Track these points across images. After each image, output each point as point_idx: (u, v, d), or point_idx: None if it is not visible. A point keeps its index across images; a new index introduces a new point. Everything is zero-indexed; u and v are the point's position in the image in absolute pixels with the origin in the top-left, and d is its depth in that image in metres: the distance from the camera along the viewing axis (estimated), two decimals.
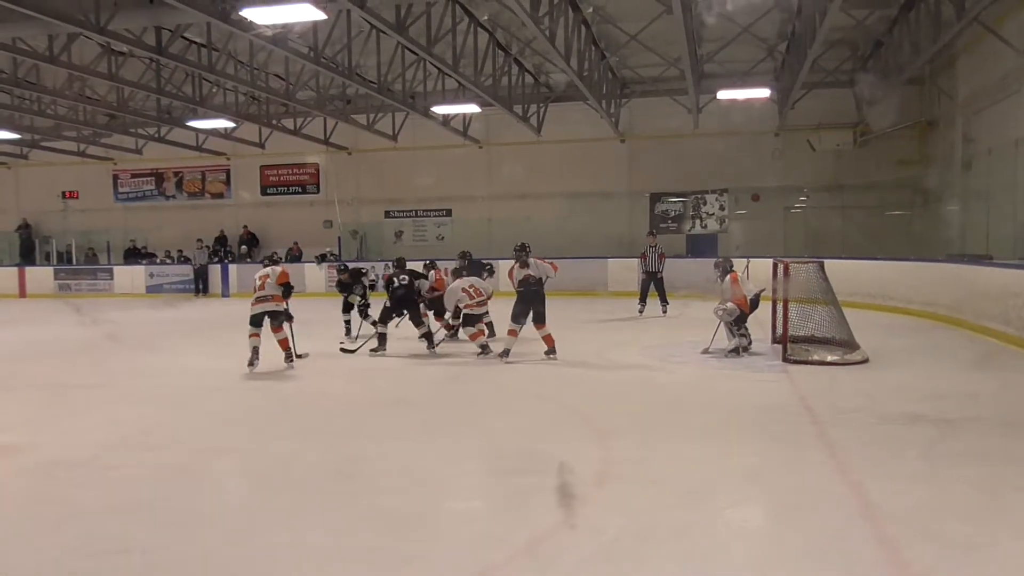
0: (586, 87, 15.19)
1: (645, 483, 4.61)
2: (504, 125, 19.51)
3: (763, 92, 16.79)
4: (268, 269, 8.89)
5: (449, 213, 22.22)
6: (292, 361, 8.74)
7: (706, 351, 9.20)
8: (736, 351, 9.00)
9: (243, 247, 22.74)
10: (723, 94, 16.58)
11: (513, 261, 9.15)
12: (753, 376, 7.98)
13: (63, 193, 24.73)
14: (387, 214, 22.66)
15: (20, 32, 12.16)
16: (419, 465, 5.03)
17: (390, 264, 13.25)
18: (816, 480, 4.57)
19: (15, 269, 23.00)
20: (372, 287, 11.95)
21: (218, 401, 7.36)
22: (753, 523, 4.20)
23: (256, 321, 8.56)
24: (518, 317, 8.91)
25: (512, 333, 8.94)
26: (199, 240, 21.89)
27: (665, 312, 13.39)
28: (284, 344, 8.71)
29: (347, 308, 11.50)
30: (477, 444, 5.65)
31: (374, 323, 10.04)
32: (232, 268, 21.21)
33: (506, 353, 8.90)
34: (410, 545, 3.72)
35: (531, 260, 9.05)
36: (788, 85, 16.29)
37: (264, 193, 23.63)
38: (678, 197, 20.33)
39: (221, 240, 22.90)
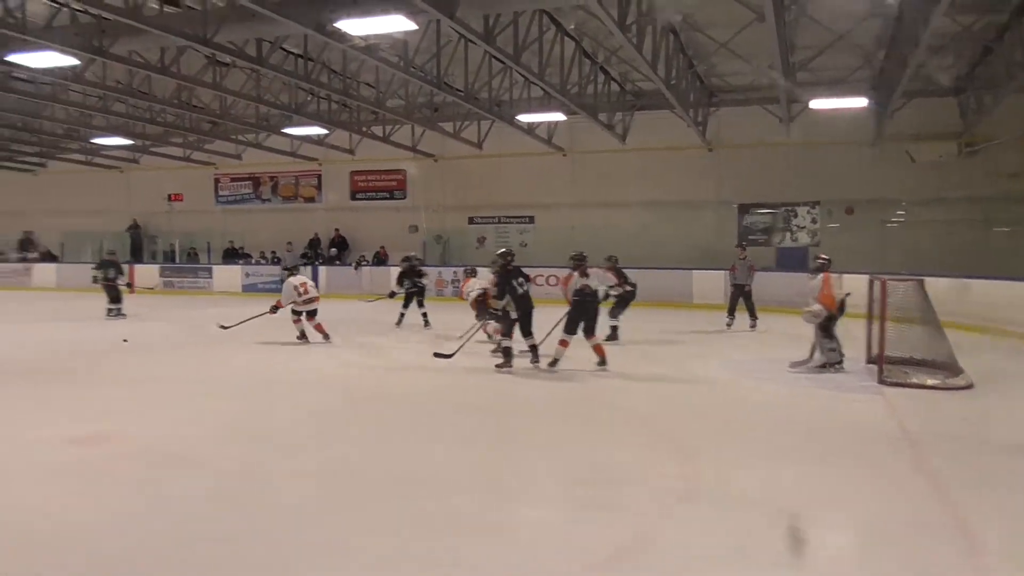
0: (673, 95, 14.98)
1: (729, 502, 4.49)
2: (589, 133, 19.43)
3: (860, 101, 16.16)
4: (303, 277, 11.93)
5: (532, 220, 22.28)
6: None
7: (796, 365, 8.91)
8: (824, 367, 8.69)
9: (332, 249, 23.39)
10: (816, 103, 16.06)
11: (569, 270, 9.06)
12: (845, 396, 7.68)
13: (168, 196, 26.09)
14: (470, 220, 22.90)
15: (136, 46, 12.86)
16: (493, 471, 5.04)
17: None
18: (912, 509, 4.36)
19: (125, 266, 24.25)
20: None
21: (303, 398, 7.55)
22: (844, 550, 4.04)
23: (312, 314, 11.57)
24: (571, 328, 8.82)
25: (563, 344, 8.83)
26: (288, 243, 22.67)
27: (754, 327, 13.05)
28: (321, 328, 11.49)
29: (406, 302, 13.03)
30: (547, 452, 5.61)
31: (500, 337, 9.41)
32: (322, 269, 21.83)
33: (555, 363, 8.81)
34: (484, 550, 3.72)
35: (590, 270, 8.97)
36: (887, 94, 15.65)
37: (353, 198, 24.26)
38: (768, 209, 19.81)
39: (314, 243, 23.64)
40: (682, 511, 4.37)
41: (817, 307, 8.75)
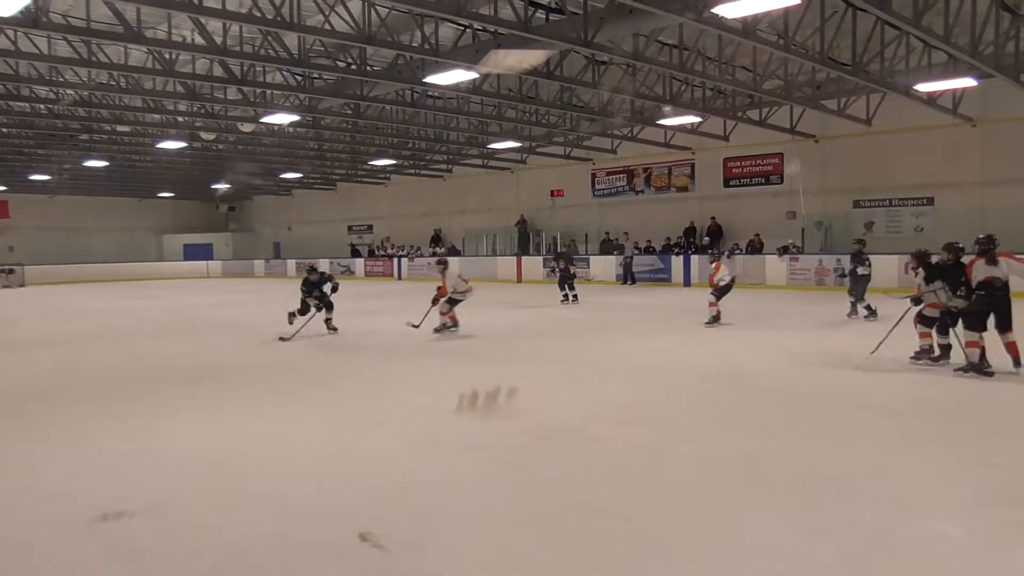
0: None
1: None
2: (1006, 98, 16.72)
3: None
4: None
5: (931, 202, 19.83)
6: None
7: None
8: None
9: (706, 238, 23.35)
10: None
11: (975, 255, 7.72)
12: None
13: (551, 192, 28.37)
14: (856, 204, 21.14)
15: (526, 56, 14.20)
16: (902, 479, 4.61)
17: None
18: None
19: (514, 258, 27.04)
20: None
21: (687, 386, 7.66)
22: None
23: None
24: (978, 323, 7.56)
25: (974, 345, 7.58)
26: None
27: None
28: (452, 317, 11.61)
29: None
30: (966, 467, 4.96)
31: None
32: (694, 259, 21.92)
33: (973, 367, 7.59)
34: (880, 558, 3.46)
35: (1000, 258, 7.60)
36: None
37: (727, 185, 23.91)
38: None
39: (689, 231, 23.84)
40: None
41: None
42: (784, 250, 19.90)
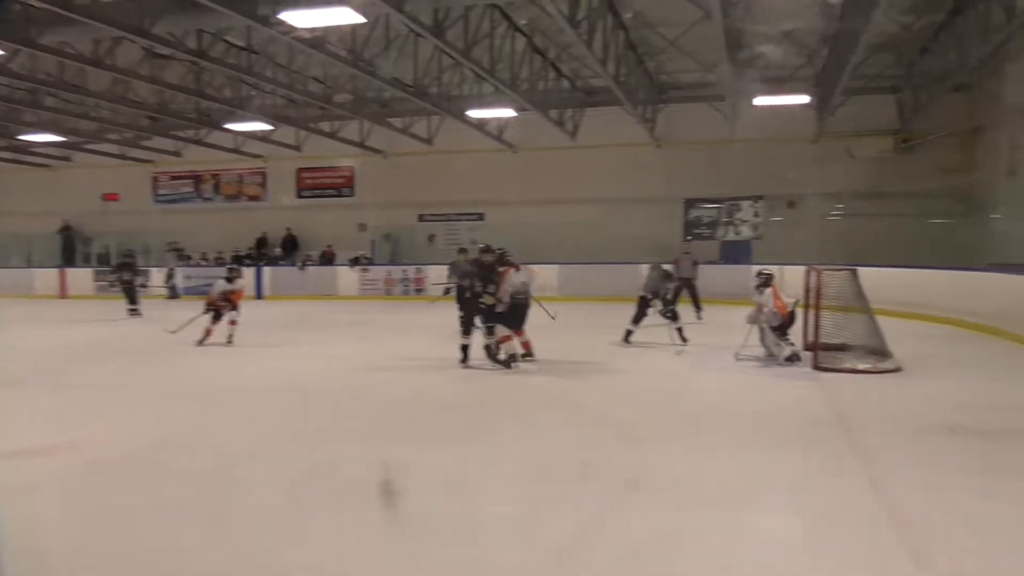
0: (623, 92, 15.13)
1: (676, 490, 4.55)
2: (540, 129, 19.48)
3: (802, 98, 16.55)
4: None
5: (482, 217, 22.26)
6: None
7: (738, 356, 9.11)
8: (792, 358, 8.86)
9: (277, 249, 23.02)
10: (760, 100, 16.37)
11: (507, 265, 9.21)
12: (785, 383, 7.86)
13: (103, 196, 25.26)
14: (420, 218, 22.76)
15: (67, 36, 12.42)
16: (453, 470, 5.02)
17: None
18: (850, 491, 4.47)
19: (56, 270, 23.46)
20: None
21: (257, 403, 7.41)
22: (785, 533, 4.12)
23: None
24: (510, 322, 8.99)
25: (507, 339, 8.86)
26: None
27: (700, 318, 13.25)
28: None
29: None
30: (508, 449, 5.63)
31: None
32: (266, 271, 21.45)
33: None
34: (442, 550, 3.70)
35: (523, 268, 9.35)
36: (828, 91, 16.05)
37: (300, 196, 23.90)
38: (713, 203, 20.12)
39: (262, 242, 23.20)
40: (630, 500, 4.40)
41: (773, 311, 9.09)
42: (355, 261, 20.63)
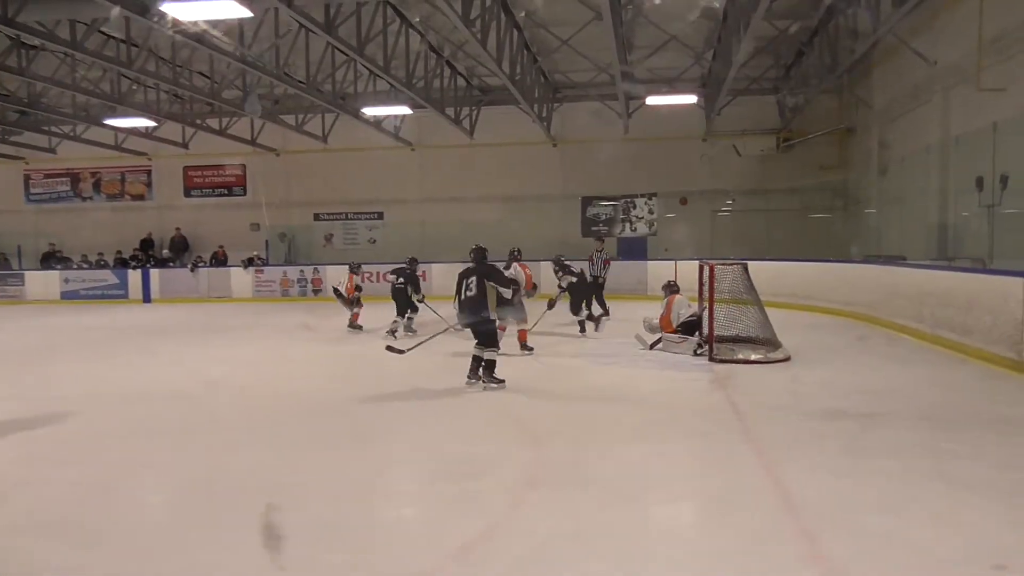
0: (518, 91, 15.23)
1: (577, 484, 4.62)
2: (437, 127, 19.40)
3: (690, 98, 17.14)
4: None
5: (381, 216, 21.98)
6: None
7: (652, 347, 9.51)
8: (697, 347, 9.13)
9: (164, 251, 22.02)
10: (652, 100, 16.84)
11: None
12: (681, 376, 8.10)
13: None
14: (316, 217, 22.27)
15: None
16: (348, 475, 4.92)
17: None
18: (742, 477, 4.66)
19: None
20: None
21: (139, 411, 7.07)
22: (682, 521, 4.25)
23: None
24: None
25: None
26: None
27: (606, 316, 13.38)
28: None
29: None
30: (408, 450, 5.57)
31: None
32: (154, 273, 20.48)
33: None
34: (338, 556, 3.63)
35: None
36: (714, 92, 16.68)
37: (188, 195, 22.94)
38: (609, 201, 20.58)
39: (147, 243, 22.12)
40: (532, 498, 4.44)
41: (655, 323, 9.68)
42: (249, 262, 19.99)
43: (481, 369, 7.50)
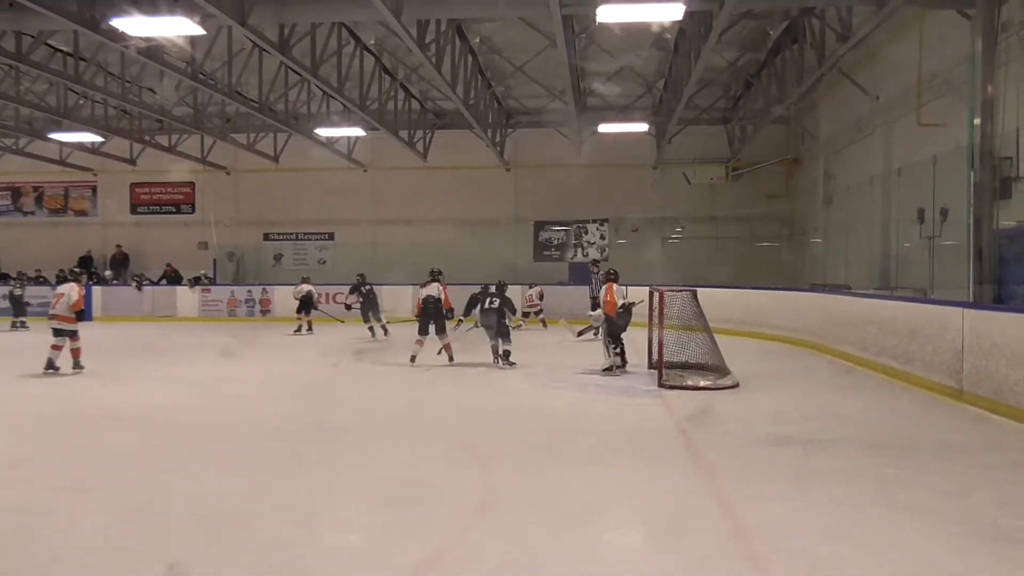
0: (472, 115, 15.31)
1: (526, 508, 4.58)
2: (390, 149, 19.35)
3: (641, 127, 17.44)
4: (65, 287, 10.00)
5: (332, 237, 21.77)
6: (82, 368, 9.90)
7: (579, 334, 10.36)
8: (610, 369, 9.30)
9: (108, 271, 21.42)
10: (604, 127, 17.08)
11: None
12: (630, 401, 8.14)
13: None
14: (266, 236, 21.97)
15: None
16: (294, 500, 4.81)
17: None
18: (692, 502, 4.67)
19: None
20: None
21: (74, 434, 6.81)
22: (631, 547, 4.24)
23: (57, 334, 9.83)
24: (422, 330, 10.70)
25: (419, 343, 10.53)
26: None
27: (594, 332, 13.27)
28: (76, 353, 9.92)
29: None
30: (355, 474, 5.47)
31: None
32: (96, 290, 19.90)
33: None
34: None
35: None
36: (665, 121, 17.00)
37: (134, 212, 22.44)
38: (561, 226, 20.74)
39: (86, 260, 21.48)
40: (482, 522, 4.39)
41: (599, 312, 9.89)
42: (196, 281, 19.58)
43: (499, 357, 10.23)
